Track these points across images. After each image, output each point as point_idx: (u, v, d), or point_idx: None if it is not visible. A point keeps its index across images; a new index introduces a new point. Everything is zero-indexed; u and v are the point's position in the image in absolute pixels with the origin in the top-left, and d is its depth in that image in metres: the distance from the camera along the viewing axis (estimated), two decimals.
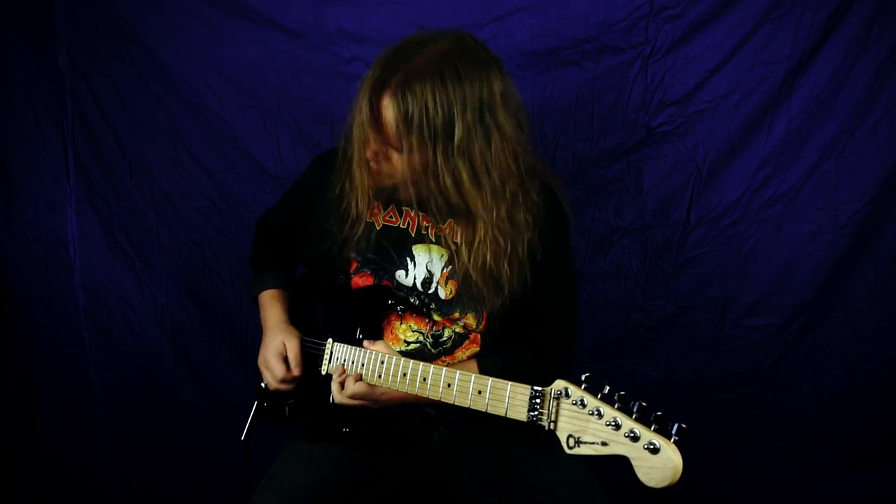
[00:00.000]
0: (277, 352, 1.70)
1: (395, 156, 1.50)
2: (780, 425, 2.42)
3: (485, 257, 1.57)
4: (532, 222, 1.60)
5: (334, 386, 1.59)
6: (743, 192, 2.32)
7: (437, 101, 1.41)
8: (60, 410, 2.57)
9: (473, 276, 1.59)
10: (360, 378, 1.55)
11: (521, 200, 1.58)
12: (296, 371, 1.69)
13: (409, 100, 1.42)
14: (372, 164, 1.56)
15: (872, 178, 2.25)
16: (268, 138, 2.43)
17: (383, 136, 1.49)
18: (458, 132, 1.43)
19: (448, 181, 1.48)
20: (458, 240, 1.63)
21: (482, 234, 1.56)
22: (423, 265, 1.68)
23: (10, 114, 2.44)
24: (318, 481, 1.56)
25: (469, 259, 1.58)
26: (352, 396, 1.55)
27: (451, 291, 1.67)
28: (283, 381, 1.69)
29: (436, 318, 1.67)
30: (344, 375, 1.58)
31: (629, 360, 2.42)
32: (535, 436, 1.63)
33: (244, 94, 2.41)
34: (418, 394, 1.46)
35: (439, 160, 1.45)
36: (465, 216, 1.58)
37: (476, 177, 1.49)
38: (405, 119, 1.43)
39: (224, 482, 2.55)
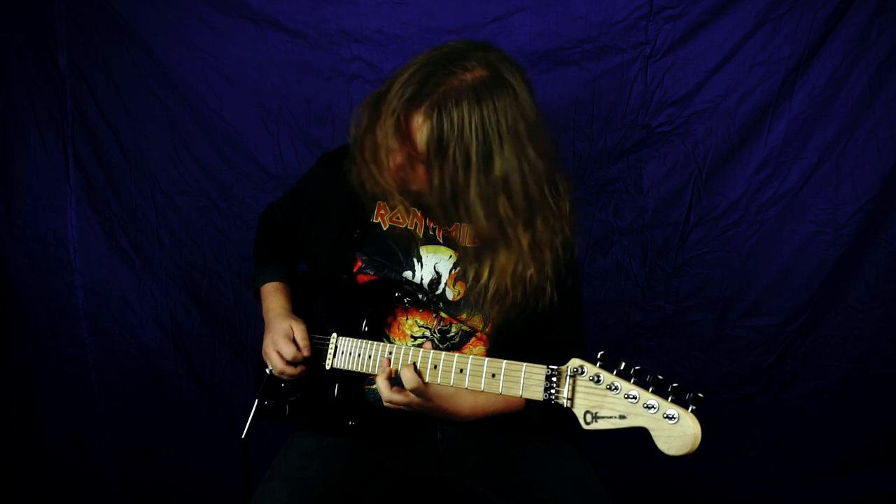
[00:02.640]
0: (285, 334, 1.69)
1: (420, 168, 1.50)
2: (780, 425, 2.42)
3: (501, 282, 1.55)
4: (560, 246, 1.58)
5: (382, 384, 1.51)
6: (743, 193, 2.32)
7: (474, 128, 1.40)
8: (60, 410, 2.57)
9: (483, 288, 1.57)
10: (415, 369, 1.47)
11: (550, 225, 1.56)
12: (305, 351, 1.67)
13: (445, 122, 1.41)
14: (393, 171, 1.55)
15: (872, 178, 2.25)
16: (268, 138, 2.43)
17: (411, 152, 1.48)
18: (496, 163, 1.42)
19: (479, 208, 1.46)
20: (466, 242, 1.65)
21: (503, 262, 1.54)
22: (431, 266, 1.69)
23: (10, 114, 2.44)
24: (324, 473, 1.55)
25: (486, 280, 1.56)
26: (413, 390, 1.46)
27: (458, 293, 1.67)
28: (292, 362, 1.67)
29: (444, 315, 1.67)
30: (391, 369, 1.51)
31: (629, 360, 2.42)
32: (537, 435, 1.64)
33: (244, 94, 2.41)
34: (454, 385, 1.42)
35: (472, 188, 1.44)
36: (491, 243, 1.55)
37: (513, 204, 1.47)
38: (438, 140, 1.42)
39: (224, 482, 2.54)
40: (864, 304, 2.32)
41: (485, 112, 1.41)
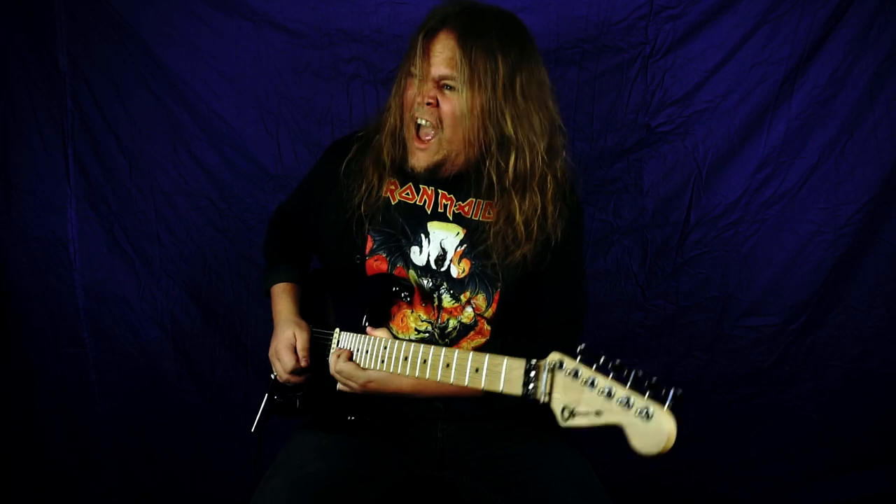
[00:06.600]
0: (288, 343, 1.71)
1: (449, 98, 1.58)
2: (780, 425, 2.42)
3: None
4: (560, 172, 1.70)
5: (331, 360, 1.63)
6: (743, 193, 2.32)
7: (502, 45, 1.57)
8: (60, 410, 2.57)
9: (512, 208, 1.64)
10: (350, 357, 1.60)
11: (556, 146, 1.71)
12: (303, 362, 1.70)
13: (476, 40, 1.55)
14: (422, 112, 1.61)
15: (872, 178, 2.26)
16: (268, 138, 2.43)
17: (443, 75, 1.58)
18: (519, 77, 1.59)
19: (507, 119, 1.60)
20: (479, 217, 1.68)
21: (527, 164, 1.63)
22: (438, 242, 1.70)
23: (10, 114, 2.44)
24: (326, 471, 1.56)
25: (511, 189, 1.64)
26: (338, 372, 1.60)
27: (463, 270, 1.68)
28: (292, 371, 1.70)
29: (445, 304, 1.68)
30: (339, 351, 1.63)
31: (629, 360, 2.42)
32: (537, 434, 1.65)
33: (244, 94, 2.41)
34: (417, 377, 1.47)
35: (499, 99, 1.57)
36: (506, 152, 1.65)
37: (528, 116, 1.63)
38: (470, 57, 1.55)
39: (224, 481, 2.55)
40: (864, 304, 2.32)
41: (511, 34, 1.61)
